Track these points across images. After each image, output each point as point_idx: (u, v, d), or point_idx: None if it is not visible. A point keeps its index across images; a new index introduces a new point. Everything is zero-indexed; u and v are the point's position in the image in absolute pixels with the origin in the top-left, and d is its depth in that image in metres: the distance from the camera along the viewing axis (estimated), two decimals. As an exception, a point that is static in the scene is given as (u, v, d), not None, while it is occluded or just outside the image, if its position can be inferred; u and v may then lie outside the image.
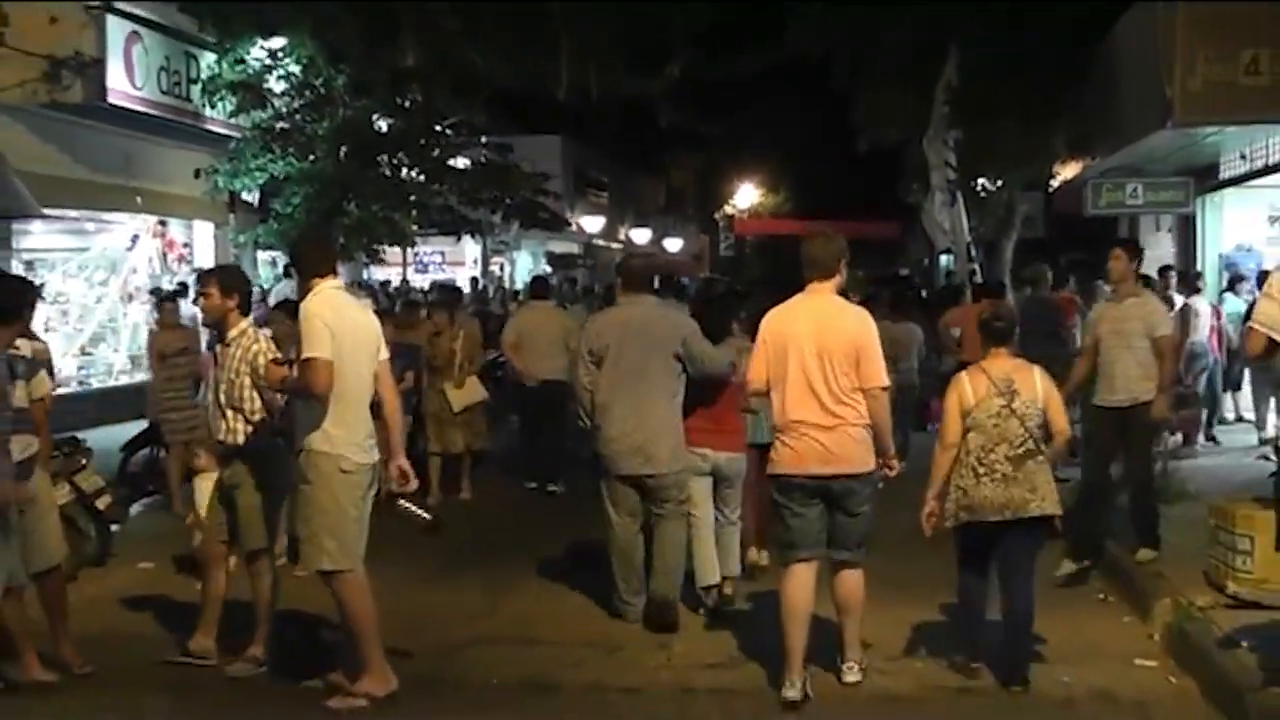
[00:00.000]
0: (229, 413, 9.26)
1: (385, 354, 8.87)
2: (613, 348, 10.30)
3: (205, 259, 24.37)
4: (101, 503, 11.26)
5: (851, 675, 8.73)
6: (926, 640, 9.76)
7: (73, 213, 21.57)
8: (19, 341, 9.33)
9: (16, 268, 19.43)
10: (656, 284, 12.14)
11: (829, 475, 8.45)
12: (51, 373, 9.89)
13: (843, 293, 8.91)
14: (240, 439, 9.27)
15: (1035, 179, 27.89)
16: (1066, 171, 25.12)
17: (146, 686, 8.97)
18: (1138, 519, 11.49)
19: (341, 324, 8.47)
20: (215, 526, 9.48)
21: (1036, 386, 8.71)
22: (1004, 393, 8.61)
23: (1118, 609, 10.52)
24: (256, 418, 9.23)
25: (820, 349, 8.43)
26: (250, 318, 9.62)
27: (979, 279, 23.70)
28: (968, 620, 9.11)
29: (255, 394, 9.20)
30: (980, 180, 28.51)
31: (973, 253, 26.94)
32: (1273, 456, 8.62)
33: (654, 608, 10.34)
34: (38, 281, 17.62)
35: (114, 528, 11.82)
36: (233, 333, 9.32)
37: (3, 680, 8.88)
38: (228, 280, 9.59)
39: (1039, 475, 8.59)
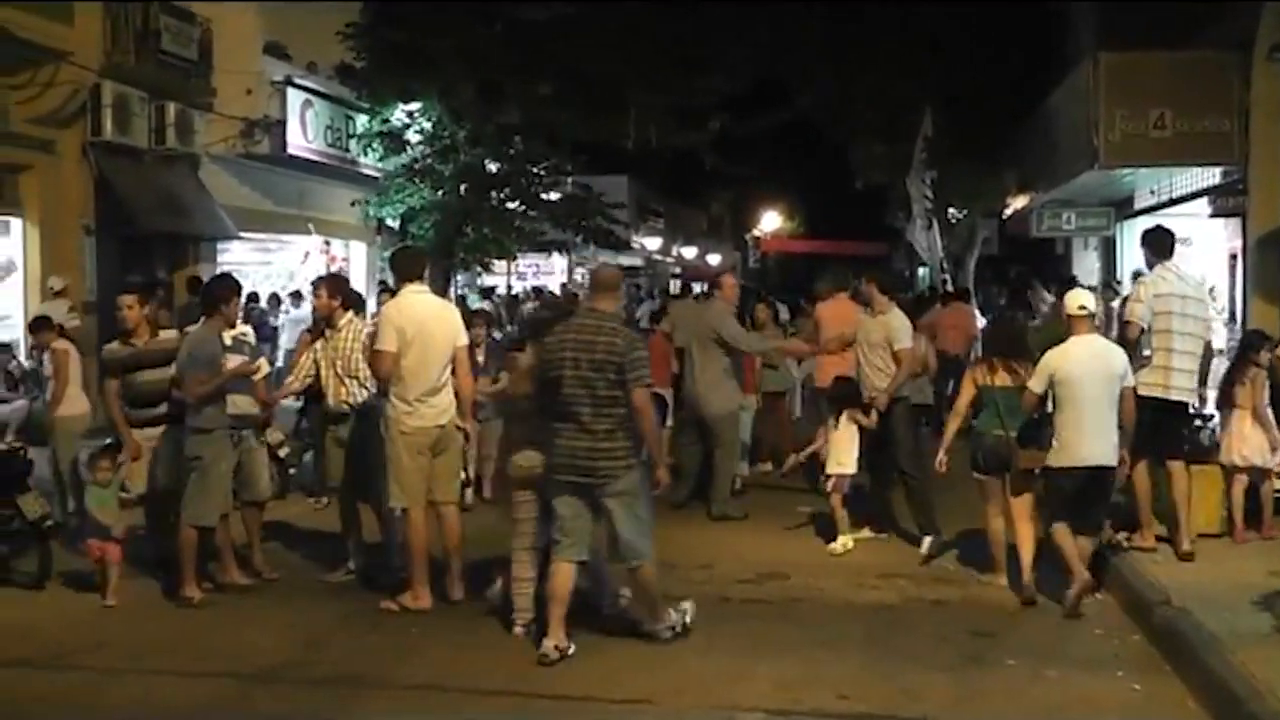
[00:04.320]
0: (347, 380, 9.28)
1: (464, 341, 8.71)
2: (678, 328, 12.40)
3: (359, 270, 24.53)
4: (282, 452, 11.27)
5: None
6: (908, 562, 9.81)
7: (260, 235, 21.76)
8: (244, 328, 9.48)
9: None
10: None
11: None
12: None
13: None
14: (359, 399, 9.26)
15: (992, 208, 27.64)
16: (1016, 202, 24.85)
17: (312, 591, 9.09)
18: (915, 510, 10.41)
19: (406, 322, 8.39)
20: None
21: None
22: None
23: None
24: (369, 383, 9.18)
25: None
26: (351, 311, 9.67)
27: (949, 287, 23.60)
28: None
29: (366, 365, 9.13)
30: (950, 209, 28.30)
31: (944, 266, 26.76)
32: None
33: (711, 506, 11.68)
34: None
35: (291, 471, 11.86)
36: (341, 322, 9.39)
37: (212, 582, 9.00)
38: (334, 286, 9.74)
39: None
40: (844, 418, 10.20)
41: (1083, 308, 8.57)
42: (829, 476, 10.25)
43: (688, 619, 7.71)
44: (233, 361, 9.08)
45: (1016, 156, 23.86)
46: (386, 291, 11.33)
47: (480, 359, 11.59)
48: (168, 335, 9.59)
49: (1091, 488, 8.43)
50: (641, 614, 7.77)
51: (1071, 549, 8.37)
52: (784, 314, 17.56)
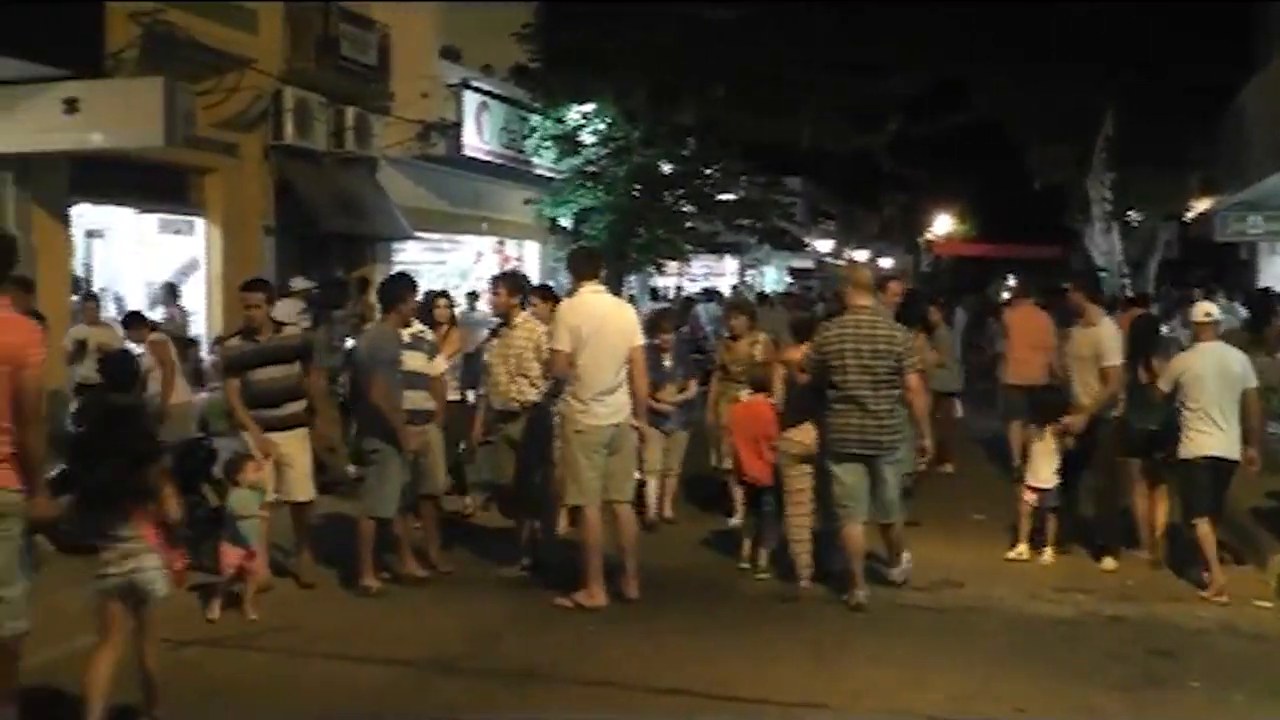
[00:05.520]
0: (518, 379, 9.45)
1: (639, 341, 8.77)
2: None
3: (532, 270, 24.84)
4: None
5: None
6: (1085, 575, 9.61)
7: (435, 235, 22.18)
8: (420, 327, 9.65)
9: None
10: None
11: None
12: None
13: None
14: (530, 398, 9.44)
15: (1174, 211, 26.92)
16: (1200, 205, 24.15)
17: (486, 586, 9.25)
18: (1097, 525, 10.10)
19: (582, 321, 8.48)
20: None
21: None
22: None
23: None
24: (539, 383, 9.38)
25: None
26: (528, 311, 9.86)
27: (1128, 292, 23.04)
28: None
29: (537, 364, 9.34)
30: (1130, 211, 27.67)
31: (1124, 270, 26.17)
32: None
33: None
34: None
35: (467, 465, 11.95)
36: (518, 320, 9.61)
37: (389, 572, 9.25)
38: (511, 283, 9.93)
39: None
40: (1048, 431, 9.92)
41: (1208, 314, 9.52)
42: (1031, 490, 9.98)
43: (907, 575, 8.99)
44: (411, 359, 9.30)
45: (1201, 157, 23.21)
46: (533, 292, 11.30)
47: (667, 363, 11.19)
48: (290, 331, 9.38)
49: (1216, 476, 9.12)
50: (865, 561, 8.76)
51: (1213, 545, 9.04)
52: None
